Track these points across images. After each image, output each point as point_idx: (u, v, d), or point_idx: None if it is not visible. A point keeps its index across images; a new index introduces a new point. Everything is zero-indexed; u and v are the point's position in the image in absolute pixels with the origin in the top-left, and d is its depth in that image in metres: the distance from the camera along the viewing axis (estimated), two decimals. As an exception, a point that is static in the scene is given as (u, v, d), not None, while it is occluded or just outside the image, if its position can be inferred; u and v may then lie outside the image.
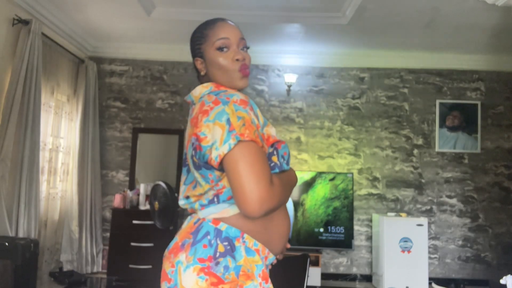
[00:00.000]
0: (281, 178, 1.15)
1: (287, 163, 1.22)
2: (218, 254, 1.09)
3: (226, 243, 1.10)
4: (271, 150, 1.18)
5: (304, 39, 4.73)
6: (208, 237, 1.11)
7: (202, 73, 1.28)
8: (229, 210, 1.14)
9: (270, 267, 1.24)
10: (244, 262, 1.10)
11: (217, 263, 1.08)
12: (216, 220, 1.13)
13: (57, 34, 4.31)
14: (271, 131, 1.20)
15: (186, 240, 1.14)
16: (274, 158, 1.18)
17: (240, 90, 1.25)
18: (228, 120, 1.07)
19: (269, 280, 1.16)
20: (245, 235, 1.13)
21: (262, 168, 1.06)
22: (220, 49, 1.23)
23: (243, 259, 1.10)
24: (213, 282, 1.06)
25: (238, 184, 1.04)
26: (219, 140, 1.06)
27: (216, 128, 1.07)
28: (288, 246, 1.30)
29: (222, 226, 1.12)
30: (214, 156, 1.07)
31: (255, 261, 1.12)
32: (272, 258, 1.21)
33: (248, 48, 1.28)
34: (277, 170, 1.18)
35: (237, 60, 1.23)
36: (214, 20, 1.28)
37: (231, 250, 1.10)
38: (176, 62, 5.18)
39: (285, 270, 1.31)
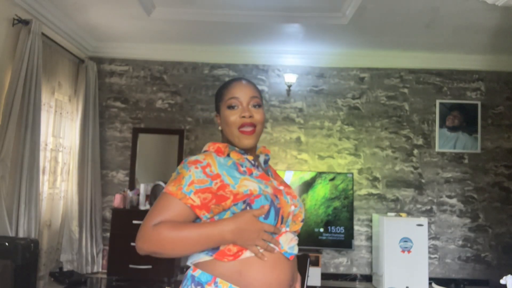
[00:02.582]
0: (178, 228, 1.17)
1: (266, 217, 1.22)
2: None
3: (199, 287, 1.19)
4: (243, 206, 1.21)
5: (304, 39, 4.73)
6: (187, 283, 1.23)
7: (220, 128, 1.40)
8: (204, 257, 1.22)
9: None
10: None
11: None
12: (195, 267, 1.24)
13: (57, 34, 4.31)
14: (250, 185, 1.23)
15: (181, 285, 1.27)
16: None
17: (247, 149, 1.34)
18: (173, 174, 1.27)
19: None
20: (218, 279, 1.18)
21: (155, 212, 1.20)
22: (231, 107, 1.33)
23: None
24: None
25: None
26: None
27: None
28: None
29: (197, 273, 1.22)
30: None
31: None
32: None
33: (260, 106, 1.36)
34: None
35: (243, 117, 1.31)
36: (231, 80, 1.40)
37: None
38: (176, 62, 5.18)
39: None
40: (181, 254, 1.20)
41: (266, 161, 1.41)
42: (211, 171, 1.22)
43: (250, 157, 1.34)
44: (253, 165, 1.33)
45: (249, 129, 1.32)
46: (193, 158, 1.27)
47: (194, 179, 1.20)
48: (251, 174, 1.28)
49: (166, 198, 1.21)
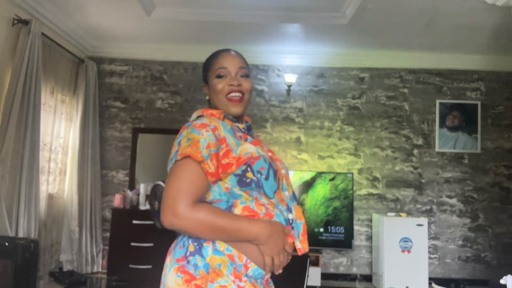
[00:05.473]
0: (219, 215, 1.16)
1: (267, 178, 1.24)
2: (188, 253, 1.19)
3: (195, 243, 1.19)
4: (244, 167, 1.22)
5: (304, 39, 4.73)
6: (183, 239, 1.23)
7: (207, 98, 1.42)
8: None
9: (266, 281, 1.26)
10: (210, 260, 1.17)
11: (188, 262, 1.18)
12: None
13: (57, 34, 4.31)
14: (249, 148, 1.25)
15: (172, 245, 1.27)
16: (249, 175, 1.23)
17: (236, 116, 1.35)
18: (179, 142, 1.22)
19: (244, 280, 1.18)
20: (216, 240, 1.19)
21: (185, 186, 1.15)
22: (219, 76, 1.36)
23: (209, 257, 1.17)
24: (187, 279, 1.16)
25: (164, 193, 1.16)
26: (170, 157, 1.24)
27: (173, 148, 1.24)
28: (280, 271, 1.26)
29: None
30: (168, 170, 1.24)
31: (223, 261, 1.17)
32: (256, 270, 1.20)
33: (248, 76, 1.39)
34: (253, 186, 1.22)
35: (231, 85, 1.34)
36: (220, 51, 1.42)
37: (199, 249, 1.19)
38: (176, 62, 5.18)
39: (285, 270, 1.31)
40: (211, 238, 1.18)
41: (248, 128, 1.43)
42: (219, 134, 1.23)
43: (241, 125, 1.37)
44: (244, 132, 1.35)
45: (237, 97, 1.34)
46: (197, 122, 1.26)
47: (209, 142, 1.19)
48: (246, 139, 1.30)
49: (189, 165, 1.17)
